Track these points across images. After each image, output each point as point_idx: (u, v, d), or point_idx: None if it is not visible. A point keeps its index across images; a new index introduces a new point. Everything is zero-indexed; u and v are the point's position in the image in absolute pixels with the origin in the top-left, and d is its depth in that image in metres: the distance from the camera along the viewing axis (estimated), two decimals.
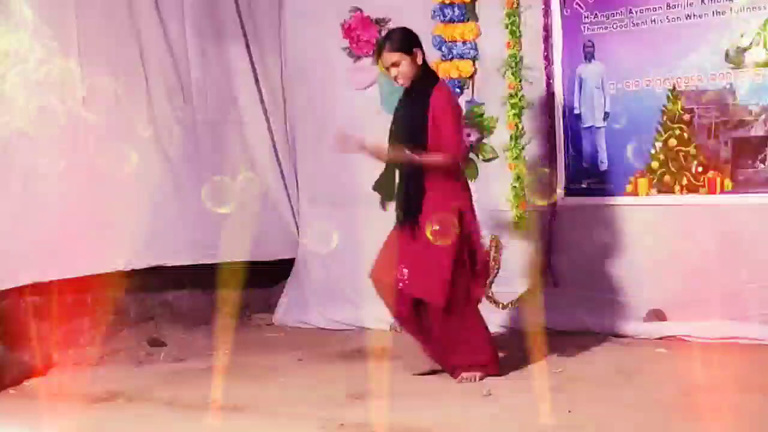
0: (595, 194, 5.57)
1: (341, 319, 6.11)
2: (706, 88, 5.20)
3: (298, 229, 6.56)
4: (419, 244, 4.42)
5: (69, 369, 5.03)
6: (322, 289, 6.28)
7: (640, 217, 5.43)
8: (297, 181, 6.56)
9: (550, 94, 5.65)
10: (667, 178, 5.34)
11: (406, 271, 4.45)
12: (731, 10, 5.10)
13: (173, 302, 6.04)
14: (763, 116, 5.07)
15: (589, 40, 5.53)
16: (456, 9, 5.82)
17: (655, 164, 5.36)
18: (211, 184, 6.04)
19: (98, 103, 5.51)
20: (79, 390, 4.46)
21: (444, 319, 4.46)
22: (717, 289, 5.11)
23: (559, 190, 5.64)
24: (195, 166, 6.01)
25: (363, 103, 6.12)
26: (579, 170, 5.62)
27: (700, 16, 5.19)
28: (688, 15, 5.22)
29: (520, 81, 5.70)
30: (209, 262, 6.00)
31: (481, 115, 5.84)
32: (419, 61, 4.54)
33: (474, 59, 5.86)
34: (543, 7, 5.61)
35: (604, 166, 5.54)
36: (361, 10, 6.17)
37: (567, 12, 5.57)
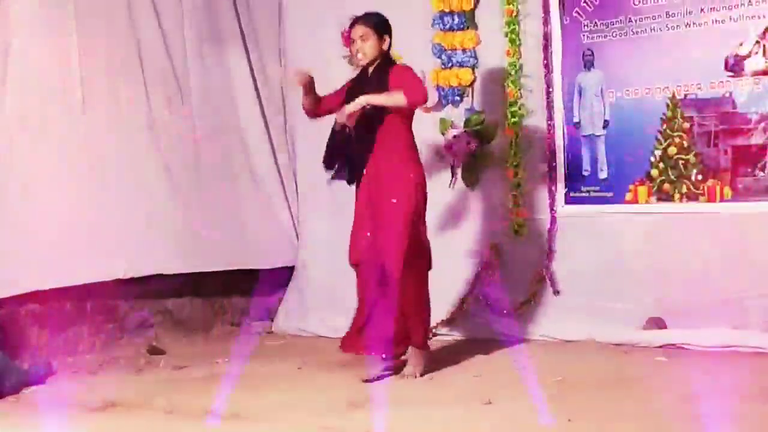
0: (594, 202, 5.57)
1: (341, 327, 6.09)
2: (706, 97, 5.21)
3: (297, 236, 6.56)
4: (378, 211, 4.60)
5: (68, 377, 5.02)
6: (322, 297, 6.28)
7: (640, 225, 5.43)
8: (297, 188, 6.56)
9: (549, 102, 5.66)
10: (666, 186, 5.35)
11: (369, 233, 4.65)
12: (730, 18, 5.11)
13: (173, 310, 6.03)
14: (762, 124, 5.08)
15: (589, 49, 5.54)
16: (456, 17, 5.83)
17: (654, 172, 5.37)
18: (210, 192, 6.07)
19: (97, 109, 5.52)
20: (78, 398, 4.44)
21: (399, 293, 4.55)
22: (717, 297, 5.12)
23: (559, 198, 5.65)
24: (194, 173, 6.01)
25: None
26: (578, 178, 5.62)
27: (699, 25, 5.21)
28: (687, 23, 5.24)
29: (520, 89, 5.71)
30: (209, 270, 6.00)
31: (481, 123, 5.84)
32: (385, 47, 4.69)
33: (474, 67, 5.87)
34: (543, 15, 5.62)
35: (603, 174, 5.55)
36: None
37: (566, 20, 5.58)
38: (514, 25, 5.70)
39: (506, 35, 5.71)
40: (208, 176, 6.06)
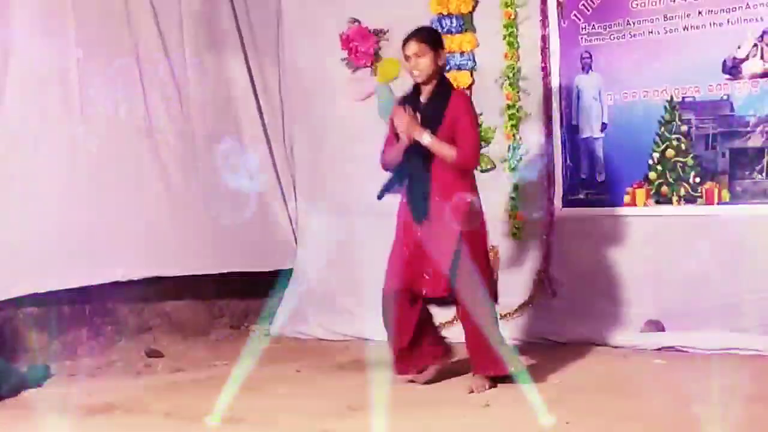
0: (592, 205, 5.58)
1: (340, 330, 6.10)
2: (704, 99, 5.21)
3: (296, 239, 6.56)
4: (432, 239, 4.43)
5: (66, 380, 5.03)
6: (320, 300, 6.28)
7: (638, 228, 5.43)
8: (295, 192, 6.56)
9: (547, 105, 5.66)
10: (664, 188, 5.35)
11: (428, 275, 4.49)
12: (728, 21, 5.12)
13: (171, 313, 6.03)
14: (760, 127, 5.08)
15: (587, 51, 5.55)
16: (454, 20, 5.84)
17: (652, 175, 5.37)
18: (209, 196, 6.07)
19: (96, 113, 5.52)
20: (76, 401, 4.44)
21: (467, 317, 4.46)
22: (715, 299, 5.12)
23: (557, 201, 5.65)
24: (193, 177, 6.01)
25: (361, 114, 6.12)
26: (576, 181, 5.62)
27: (697, 27, 5.21)
28: (685, 26, 5.24)
29: (518, 92, 5.72)
30: (207, 273, 6.00)
31: (479, 125, 5.83)
32: (441, 62, 4.56)
33: (472, 70, 5.87)
34: (541, 18, 5.63)
35: (601, 177, 5.55)
36: (359, 22, 6.19)
37: (564, 23, 5.59)
38: (512, 28, 5.70)
39: (504, 38, 5.72)
40: (206, 179, 6.06)
